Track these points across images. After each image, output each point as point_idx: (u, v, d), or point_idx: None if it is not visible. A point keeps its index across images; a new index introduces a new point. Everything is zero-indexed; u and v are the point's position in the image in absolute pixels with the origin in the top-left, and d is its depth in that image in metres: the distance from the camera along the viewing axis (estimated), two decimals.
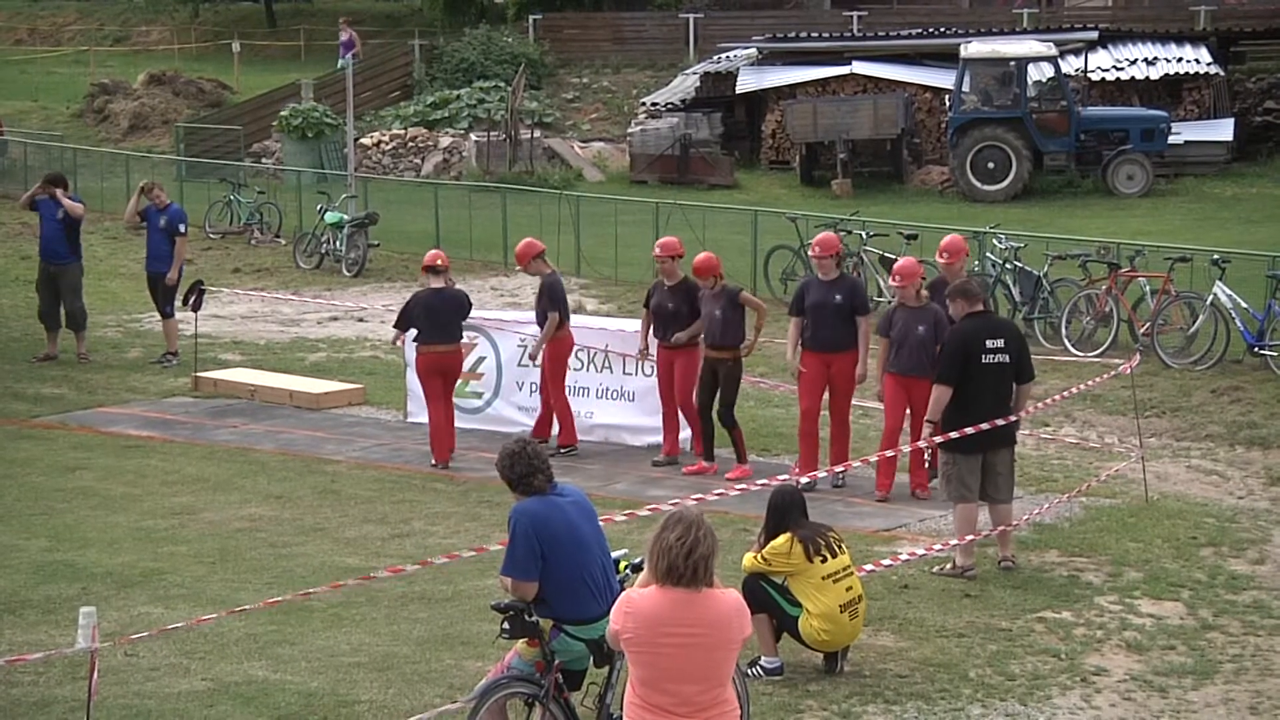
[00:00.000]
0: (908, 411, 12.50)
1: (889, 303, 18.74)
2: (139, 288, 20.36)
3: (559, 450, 13.85)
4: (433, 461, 13.86)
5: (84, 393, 16.85)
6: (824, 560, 8.86)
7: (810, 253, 13.11)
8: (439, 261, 13.96)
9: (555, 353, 14.00)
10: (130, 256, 24.47)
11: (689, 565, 5.70)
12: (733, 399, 13.34)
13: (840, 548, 9.02)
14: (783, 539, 8.86)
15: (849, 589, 8.94)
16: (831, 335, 12.79)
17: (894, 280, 12.70)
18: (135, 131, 38.60)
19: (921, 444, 11.08)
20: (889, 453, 12.12)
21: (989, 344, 10.61)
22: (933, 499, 12.46)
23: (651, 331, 13.73)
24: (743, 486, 10.86)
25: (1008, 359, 10.67)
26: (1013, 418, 10.76)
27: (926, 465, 12.53)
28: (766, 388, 16.26)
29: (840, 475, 12.77)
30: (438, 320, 13.73)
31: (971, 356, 10.58)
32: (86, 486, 13.26)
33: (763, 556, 8.88)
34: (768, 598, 8.88)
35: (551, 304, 13.84)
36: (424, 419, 14.98)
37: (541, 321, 13.95)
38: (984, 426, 10.44)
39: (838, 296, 12.75)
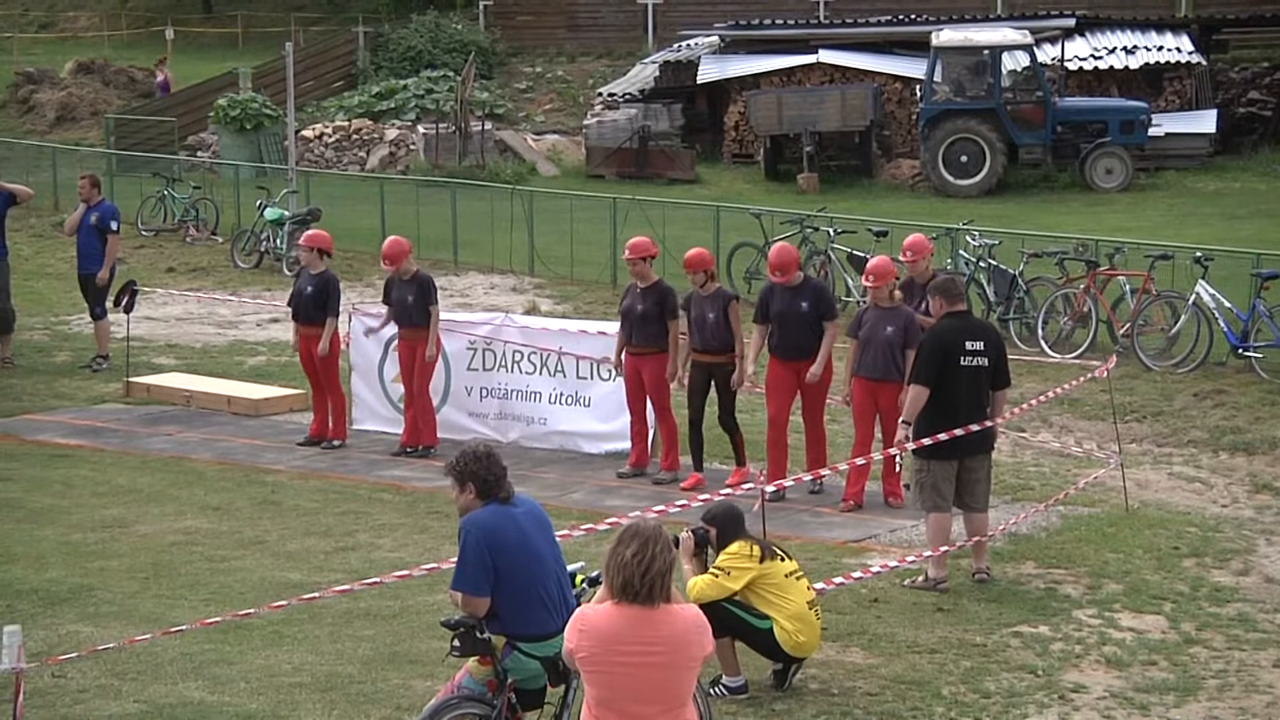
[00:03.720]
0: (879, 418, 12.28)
1: (858, 303, 18.59)
2: (67, 288, 20.03)
3: (425, 450, 14.15)
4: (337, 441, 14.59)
5: (8, 399, 16.51)
6: (781, 560, 8.74)
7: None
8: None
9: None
10: (58, 255, 24.17)
11: (645, 582, 5.59)
12: (732, 404, 13.01)
13: (787, 554, 8.89)
14: (737, 543, 8.69)
15: (808, 587, 8.85)
16: (799, 343, 12.47)
17: (866, 280, 12.41)
18: (62, 123, 38.11)
19: (893, 450, 10.80)
20: (859, 460, 11.85)
21: (968, 345, 10.37)
22: (904, 507, 12.23)
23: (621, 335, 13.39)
24: (706, 496, 10.57)
25: (986, 362, 10.44)
26: (989, 424, 10.53)
27: (899, 470, 12.25)
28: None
29: (818, 483, 12.56)
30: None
31: (950, 358, 10.33)
32: (11, 498, 12.97)
33: (719, 567, 8.65)
34: (732, 617, 8.63)
35: (433, 299, 14.08)
36: (369, 426, 15.09)
37: (422, 319, 14.02)
38: (958, 432, 10.22)
39: (803, 304, 12.42)
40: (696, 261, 12.90)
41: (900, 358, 11.98)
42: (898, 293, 12.37)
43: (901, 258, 12.69)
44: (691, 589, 8.52)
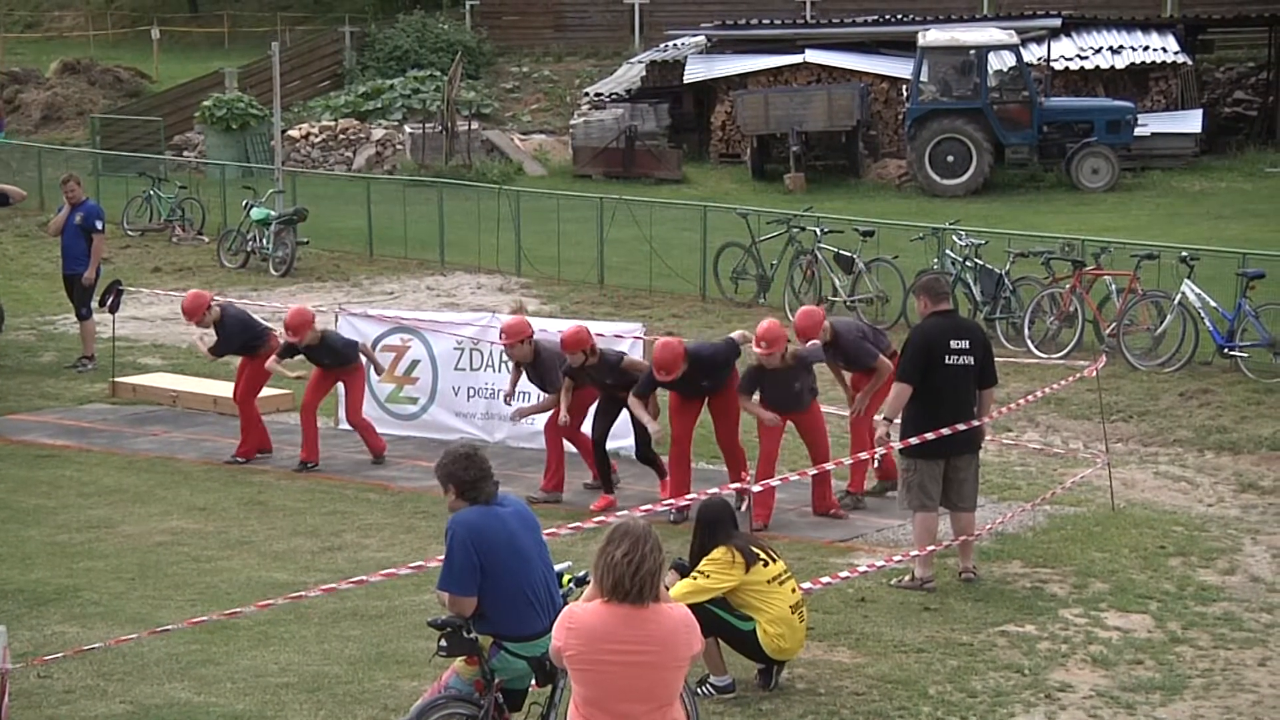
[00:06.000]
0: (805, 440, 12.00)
1: (847, 304, 18.56)
2: (53, 288, 19.93)
3: (303, 465, 13.83)
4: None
5: None
6: (765, 565, 8.68)
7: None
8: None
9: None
10: (43, 255, 24.07)
11: (635, 582, 5.59)
12: (649, 438, 12.36)
13: (773, 555, 8.82)
14: (720, 550, 8.62)
15: (793, 590, 8.80)
16: (702, 394, 12.11)
17: (758, 346, 11.65)
18: (48, 123, 37.97)
19: (878, 449, 10.78)
20: (756, 487, 10.93)
21: (953, 344, 10.34)
22: (877, 510, 12.09)
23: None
24: (670, 502, 10.59)
25: (971, 361, 10.40)
26: (976, 423, 10.50)
27: (877, 466, 12.12)
28: None
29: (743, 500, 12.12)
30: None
31: (934, 356, 10.30)
32: None
33: (700, 571, 8.61)
34: (715, 619, 8.59)
35: (354, 347, 14.02)
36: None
37: (344, 363, 13.92)
38: (945, 431, 10.19)
39: (704, 382, 11.96)
40: (573, 344, 12.21)
41: (810, 390, 11.84)
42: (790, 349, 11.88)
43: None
44: (674, 592, 8.51)
